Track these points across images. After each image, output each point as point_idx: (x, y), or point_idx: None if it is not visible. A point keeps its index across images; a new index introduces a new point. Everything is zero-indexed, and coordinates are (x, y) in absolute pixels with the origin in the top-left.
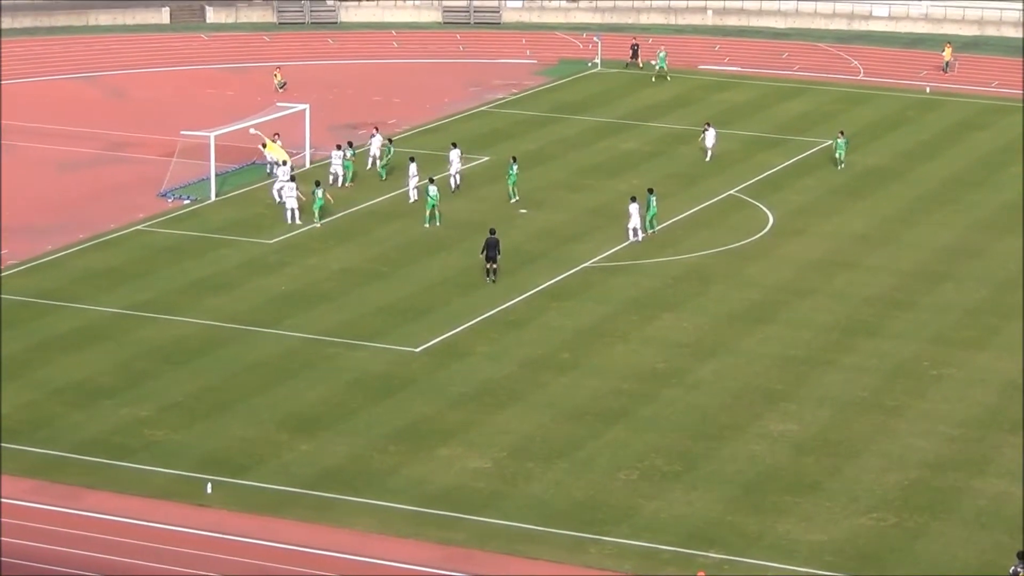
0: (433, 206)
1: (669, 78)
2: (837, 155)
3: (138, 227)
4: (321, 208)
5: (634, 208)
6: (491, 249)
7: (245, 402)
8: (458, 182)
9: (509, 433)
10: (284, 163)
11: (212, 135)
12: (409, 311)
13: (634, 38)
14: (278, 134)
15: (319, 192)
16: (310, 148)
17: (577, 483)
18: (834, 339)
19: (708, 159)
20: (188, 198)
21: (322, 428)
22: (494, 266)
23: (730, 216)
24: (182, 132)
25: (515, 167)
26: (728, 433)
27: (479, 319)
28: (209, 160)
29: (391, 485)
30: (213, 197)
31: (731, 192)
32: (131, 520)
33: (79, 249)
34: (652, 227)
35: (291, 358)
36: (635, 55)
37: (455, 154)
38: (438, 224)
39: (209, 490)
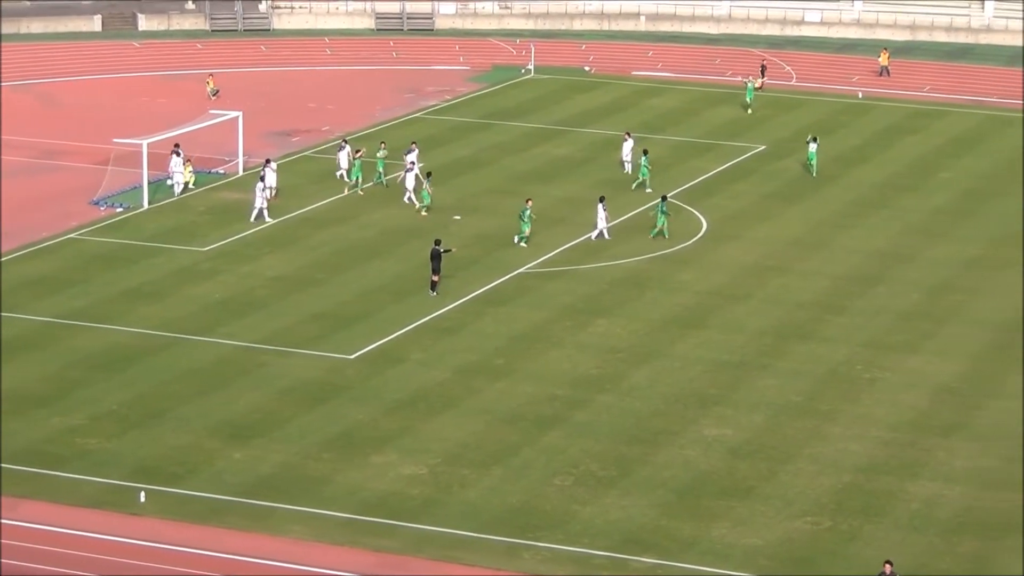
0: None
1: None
2: (810, 160)
3: (71, 235)
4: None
5: (600, 209)
6: (434, 260)
7: (178, 410)
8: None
9: (444, 440)
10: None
11: (145, 143)
12: (344, 318)
13: (764, 58)
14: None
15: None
16: (243, 155)
17: (512, 489)
18: (768, 344)
19: (628, 171)
20: (121, 206)
21: (256, 436)
22: (435, 278)
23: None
24: (115, 140)
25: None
26: (662, 438)
27: (414, 326)
28: (142, 168)
29: (325, 493)
30: (146, 205)
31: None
32: (64, 530)
33: (11, 258)
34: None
35: (225, 366)
36: (763, 73)
37: (412, 156)
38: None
39: (143, 499)
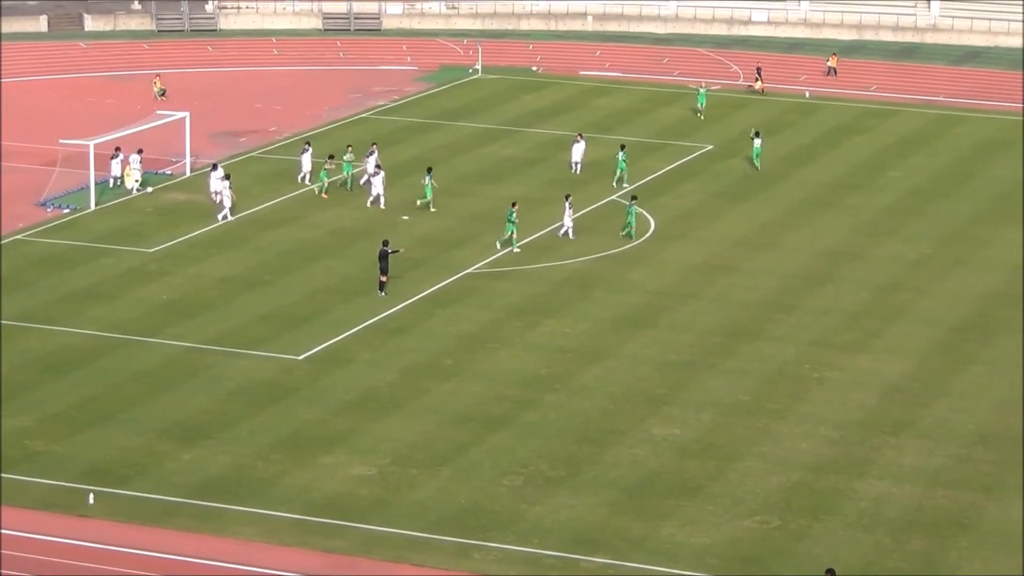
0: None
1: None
2: (755, 157)
3: (17, 237)
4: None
5: (567, 207)
6: (382, 260)
7: (127, 412)
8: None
9: (393, 440)
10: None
11: (91, 144)
12: (292, 319)
13: (759, 61)
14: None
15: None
16: (190, 156)
17: (461, 489)
18: (716, 343)
19: (577, 172)
20: (68, 207)
21: (205, 437)
22: (383, 278)
23: (612, 221)
24: (61, 141)
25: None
26: (611, 438)
27: (362, 326)
28: (89, 169)
29: (275, 494)
30: (93, 206)
31: (613, 198)
32: (12, 532)
33: None
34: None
35: (173, 367)
36: (759, 77)
37: (373, 158)
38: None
39: (91, 501)
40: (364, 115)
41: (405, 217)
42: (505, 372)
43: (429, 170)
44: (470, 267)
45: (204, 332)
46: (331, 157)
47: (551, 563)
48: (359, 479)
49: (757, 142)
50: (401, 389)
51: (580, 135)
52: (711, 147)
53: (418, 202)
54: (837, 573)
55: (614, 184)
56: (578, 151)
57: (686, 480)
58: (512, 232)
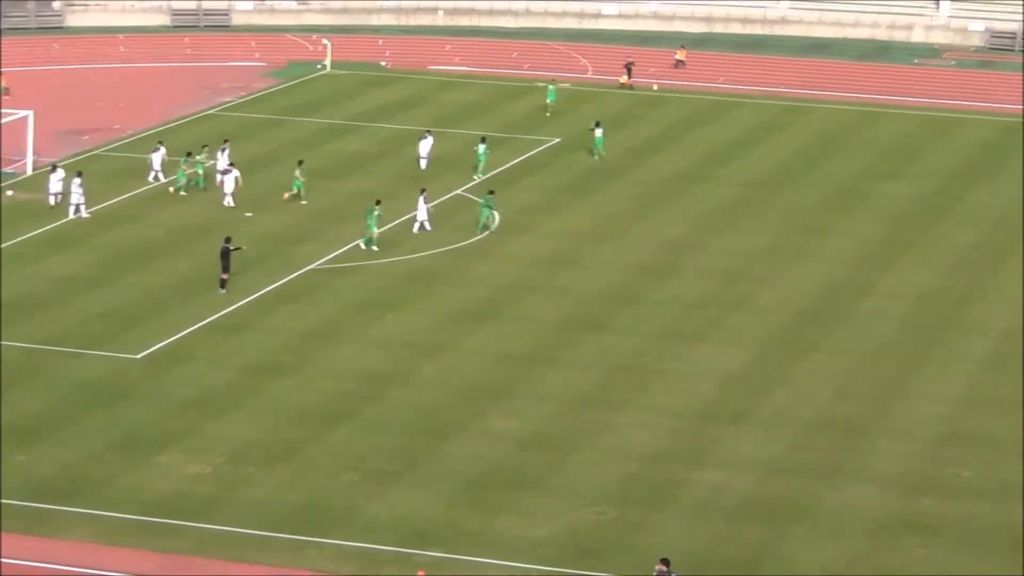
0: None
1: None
2: (596, 146)
3: None
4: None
5: (421, 200)
6: (223, 257)
7: None
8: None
9: (230, 438)
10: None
11: None
12: (131, 318)
13: (628, 56)
14: None
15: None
16: (33, 155)
17: (298, 486)
18: (558, 335)
19: (423, 168)
20: None
21: (39, 439)
22: (225, 276)
23: (457, 215)
24: None
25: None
26: (451, 431)
27: (202, 324)
28: None
29: (109, 494)
30: None
31: (457, 192)
32: None
33: None
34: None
35: (8, 368)
36: (629, 73)
37: (225, 155)
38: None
39: None
40: (212, 111)
41: (248, 214)
42: (346, 368)
43: (300, 163)
44: (313, 263)
45: (40, 332)
46: (189, 155)
47: (386, 558)
48: (195, 478)
49: (598, 132)
50: (240, 387)
51: (427, 131)
52: (558, 140)
53: (286, 194)
54: (672, 562)
55: (477, 176)
56: (425, 147)
57: (524, 473)
58: (374, 230)
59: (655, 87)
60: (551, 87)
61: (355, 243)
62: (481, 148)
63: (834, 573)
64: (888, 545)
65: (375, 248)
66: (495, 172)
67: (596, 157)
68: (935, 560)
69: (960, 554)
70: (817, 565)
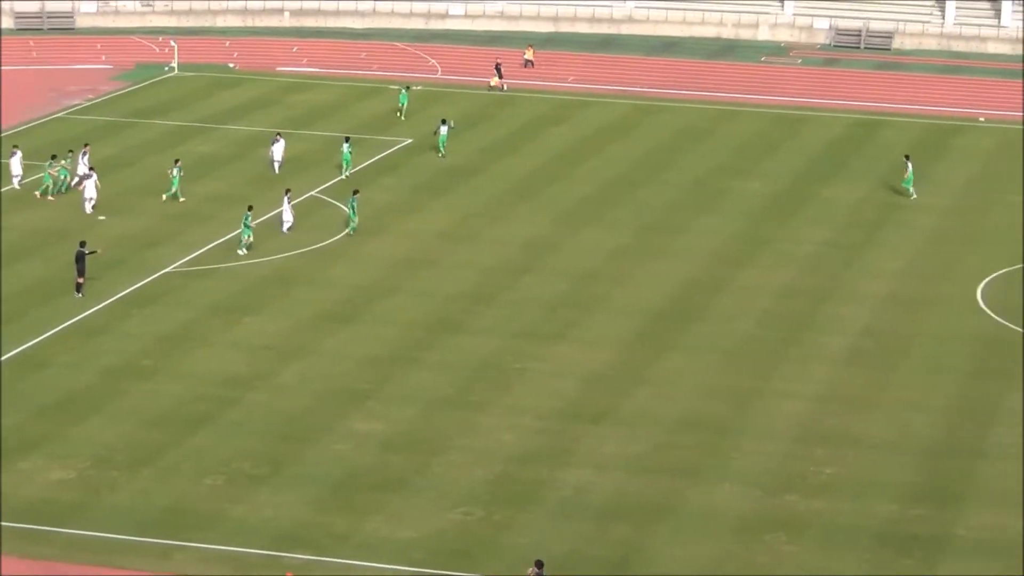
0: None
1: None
2: (440, 144)
3: None
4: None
5: (286, 201)
6: (79, 261)
7: None
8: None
9: (92, 443)
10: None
11: None
12: None
13: (498, 58)
14: None
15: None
16: None
17: (163, 490)
18: (418, 337)
19: (278, 172)
20: None
21: None
22: (81, 280)
23: (311, 217)
24: None
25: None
26: (314, 434)
27: (59, 328)
28: None
29: None
30: None
31: (312, 193)
32: None
33: None
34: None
35: None
36: (500, 74)
37: (86, 159)
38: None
39: None
40: (59, 115)
41: (102, 218)
42: (206, 371)
43: (176, 161)
44: (168, 266)
45: None
46: (54, 157)
47: (255, 561)
48: (59, 483)
49: (443, 129)
50: (100, 391)
51: (278, 134)
52: (410, 141)
53: (164, 196)
54: (543, 562)
55: (345, 176)
56: (278, 150)
57: (390, 474)
58: (248, 235)
59: (505, 87)
60: (404, 91)
61: (210, 246)
62: (346, 148)
63: (702, 571)
64: (755, 543)
65: (243, 252)
66: (347, 173)
67: (440, 155)
68: (801, 557)
69: (826, 551)
70: (685, 563)
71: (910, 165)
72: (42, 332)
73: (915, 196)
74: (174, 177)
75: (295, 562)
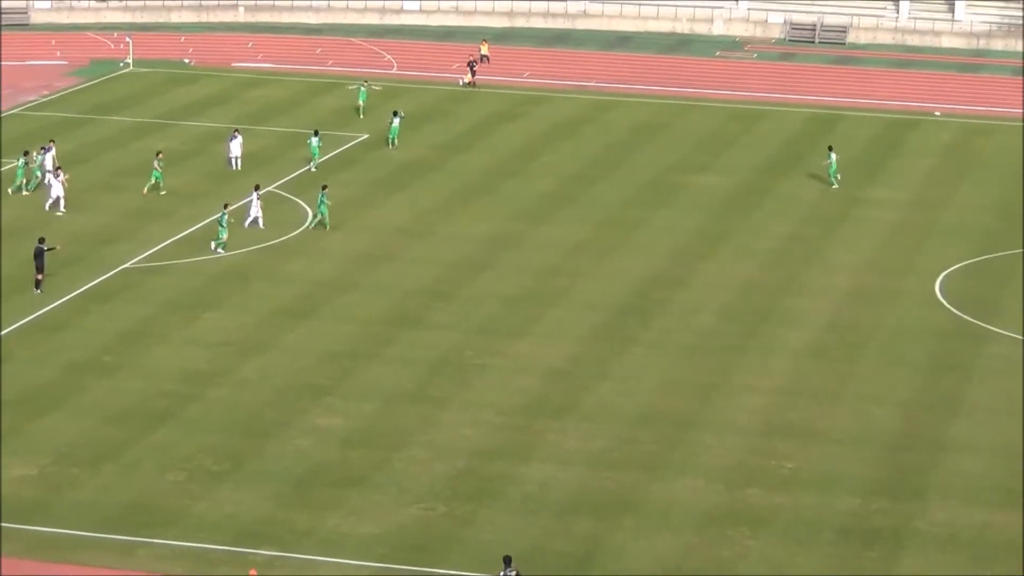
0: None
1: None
2: (392, 136)
3: None
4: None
5: (255, 197)
6: (37, 258)
7: None
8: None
9: (53, 439)
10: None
11: None
12: None
13: (471, 54)
14: None
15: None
16: None
17: (125, 487)
18: (378, 332)
19: (237, 168)
20: None
21: None
22: (39, 276)
23: (269, 212)
24: None
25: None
26: (275, 430)
27: (19, 325)
28: None
29: None
30: None
31: (270, 188)
32: None
33: None
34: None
35: None
36: (473, 72)
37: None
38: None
39: None
40: (14, 111)
41: (59, 213)
42: (166, 367)
43: (158, 154)
44: (126, 262)
45: None
46: (27, 153)
47: (218, 557)
48: (20, 480)
49: (395, 121)
50: (60, 387)
51: (236, 131)
52: (367, 136)
53: (145, 189)
54: (511, 558)
55: (312, 168)
56: (236, 146)
57: (351, 470)
58: (225, 234)
59: (461, 83)
60: (362, 88)
61: (167, 242)
62: (314, 141)
63: (666, 566)
64: (718, 537)
65: (221, 251)
66: (304, 169)
67: (392, 146)
68: (764, 552)
69: (789, 545)
70: (648, 558)
71: (833, 155)
72: (2, 328)
73: (836, 186)
74: (156, 170)
75: (258, 558)
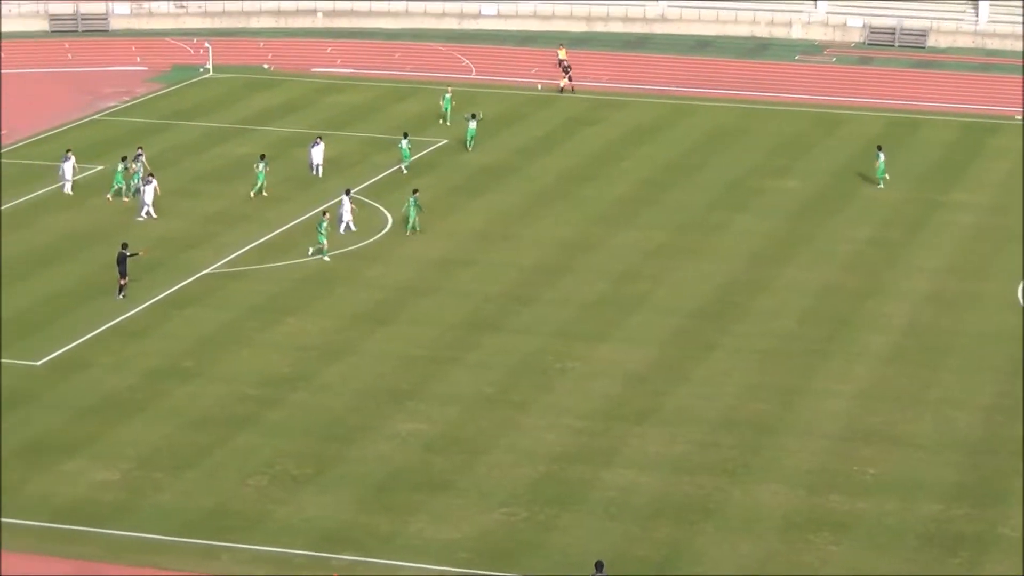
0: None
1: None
2: (468, 139)
3: None
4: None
5: (346, 201)
6: (120, 264)
7: None
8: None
9: (135, 444)
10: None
11: None
12: (29, 324)
13: (558, 54)
14: None
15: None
16: None
17: (206, 491)
18: (458, 336)
19: (319, 175)
20: None
21: None
22: (123, 281)
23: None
24: None
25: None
26: (357, 434)
27: (101, 329)
28: None
29: (18, 502)
30: None
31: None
32: None
33: None
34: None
35: None
36: (569, 76)
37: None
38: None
39: None
40: (95, 117)
41: (139, 219)
42: (247, 372)
43: (262, 156)
44: (207, 267)
45: None
46: (124, 159)
47: (301, 562)
48: (103, 484)
49: (472, 124)
50: (142, 392)
51: (319, 137)
52: (446, 141)
53: (251, 192)
54: (603, 563)
55: (403, 170)
56: (318, 153)
57: (433, 475)
58: (323, 242)
59: (539, 87)
60: (447, 95)
61: (248, 247)
62: (404, 143)
63: (747, 571)
64: (799, 542)
65: (327, 259)
66: (385, 174)
67: (468, 148)
68: (846, 558)
69: (871, 551)
70: (730, 563)
71: (882, 155)
72: (84, 334)
73: (882, 186)
74: (260, 172)
75: (340, 563)
